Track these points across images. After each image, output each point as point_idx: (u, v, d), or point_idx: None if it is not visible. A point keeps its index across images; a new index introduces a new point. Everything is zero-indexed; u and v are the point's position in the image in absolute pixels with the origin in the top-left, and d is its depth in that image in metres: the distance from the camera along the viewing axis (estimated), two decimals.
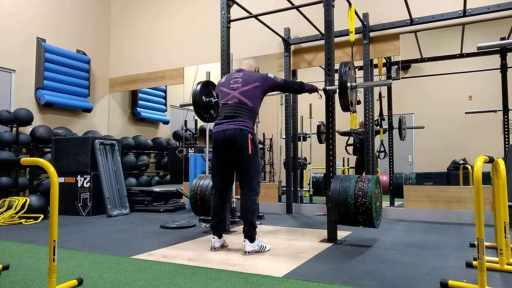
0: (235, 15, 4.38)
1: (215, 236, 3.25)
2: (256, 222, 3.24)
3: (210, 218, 3.60)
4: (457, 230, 4.17)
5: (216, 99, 3.66)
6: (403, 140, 6.59)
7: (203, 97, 3.99)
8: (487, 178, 2.65)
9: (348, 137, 6.59)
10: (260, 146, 8.51)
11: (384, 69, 6.47)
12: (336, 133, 3.81)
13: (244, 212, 3.15)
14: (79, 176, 5.62)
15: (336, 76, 3.55)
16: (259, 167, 3.24)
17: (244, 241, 3.10)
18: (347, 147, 6.63)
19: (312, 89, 3.52)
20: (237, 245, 3.41)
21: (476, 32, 6.15)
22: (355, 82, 3.61)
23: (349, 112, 4.91)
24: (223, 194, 3.34)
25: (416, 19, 5.08)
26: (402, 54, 5.72)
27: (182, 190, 6.27)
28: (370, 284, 2.25)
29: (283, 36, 5.86)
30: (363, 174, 5.09)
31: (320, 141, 6.96)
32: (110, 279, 2.38)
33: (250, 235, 3.10)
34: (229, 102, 3.22)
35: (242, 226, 3.19)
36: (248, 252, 3.06)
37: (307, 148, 7.33)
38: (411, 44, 6.10)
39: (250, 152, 3.11)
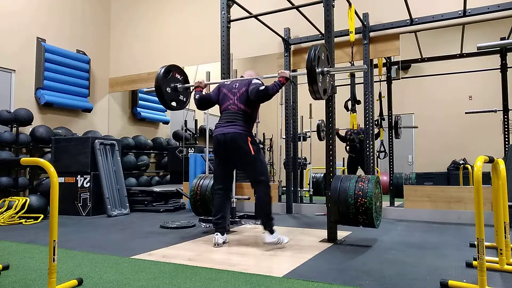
0: (235, 15, 4.38)
1: (218, 233, 3.37)
2: (272, 213, 3.36)
3: (210, 217, 3.94)
4: (457, 230, 4.17)
5: (184, 86, 3.81)
6: (399, 138, 6.58)
7: (167, 82, 3.67)
8: (487, 178, 2.65)
9: (345, 143, 6.57)
10: (260, 146, 8.49)
11: (384, 69, 6.47)
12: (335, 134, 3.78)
13: (258, 206, 3.36)
14: (79, 176, 5.62)
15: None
16: (264, 162, 3.46)
17: (264, 233, 3.33)
18: (347, 146, 6.63)
19: (282, 83, 3.24)
20: (237, 244, 3.43)
21: (476, 32, 6.14)
22: (329, 68, 3.25)
23: (349, 112, 4.89)
24: (225, 192, 3.51)
25: (416, 19, 5.08)
26: (402, 54, 5.72)
27: (182, 190, 6.27)
28: (370, 284, 2.25)
29: (283, 36, 5.85)
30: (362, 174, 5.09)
31: (320, 138, 6.95)
32: (110, 279, 2.38)
33: (269, 228, 3.29)
34: (229, 108, 3.41)
35: (260, 220, 3.37)
36: (267, 244, 3.28)
37: (307, 148, 7.32)
38: (411, 44, 6.09)
39: (253, 153, 3.31)
